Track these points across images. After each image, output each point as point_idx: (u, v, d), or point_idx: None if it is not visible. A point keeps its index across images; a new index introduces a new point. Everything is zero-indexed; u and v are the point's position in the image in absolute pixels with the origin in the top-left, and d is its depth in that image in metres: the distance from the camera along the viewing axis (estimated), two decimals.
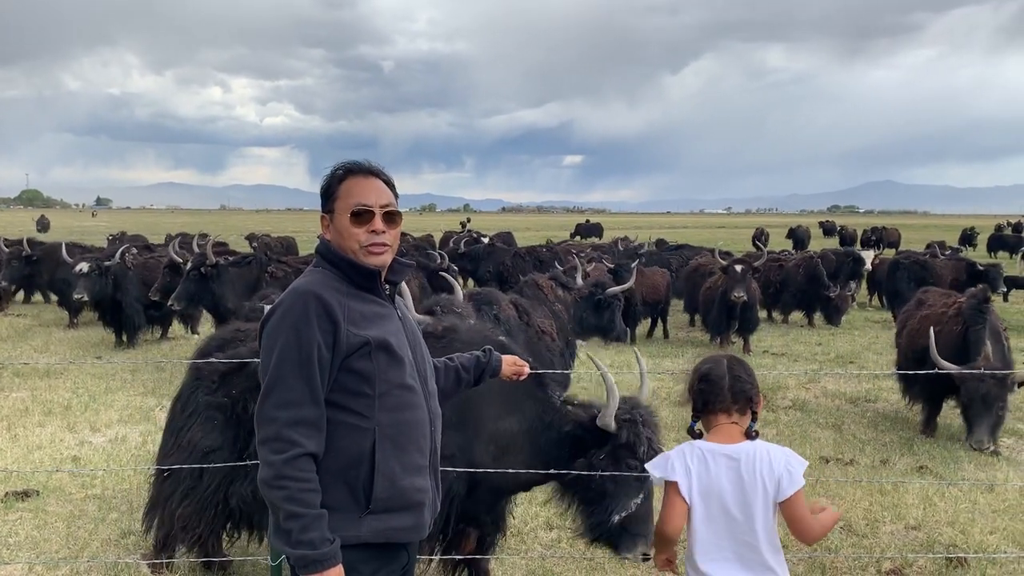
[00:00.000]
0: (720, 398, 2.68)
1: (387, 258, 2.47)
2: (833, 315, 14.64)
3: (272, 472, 2.24)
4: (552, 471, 3.49)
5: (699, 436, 2.74)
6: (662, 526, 2.71)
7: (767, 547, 2.61)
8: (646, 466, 2.77)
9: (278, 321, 2.34)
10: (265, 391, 2.30)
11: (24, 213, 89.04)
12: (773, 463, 2.61)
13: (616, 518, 3.25)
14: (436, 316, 5.28)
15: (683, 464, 2.65)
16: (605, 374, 3.57)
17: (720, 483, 2.60)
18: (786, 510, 2.62)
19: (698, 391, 2.73)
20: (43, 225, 47.74)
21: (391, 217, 2.48)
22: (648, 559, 3.05)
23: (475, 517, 3.76)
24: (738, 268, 12.26)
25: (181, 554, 4.69)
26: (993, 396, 6.88)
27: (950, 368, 6.96)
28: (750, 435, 2.68)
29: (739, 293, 11.89)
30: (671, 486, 2.66)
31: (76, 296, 11.78)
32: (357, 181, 2.47)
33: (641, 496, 3.30)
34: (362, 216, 2.42)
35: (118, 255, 12.36)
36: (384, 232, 2.44)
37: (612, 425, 3.36)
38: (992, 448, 6.99)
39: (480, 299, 6.67)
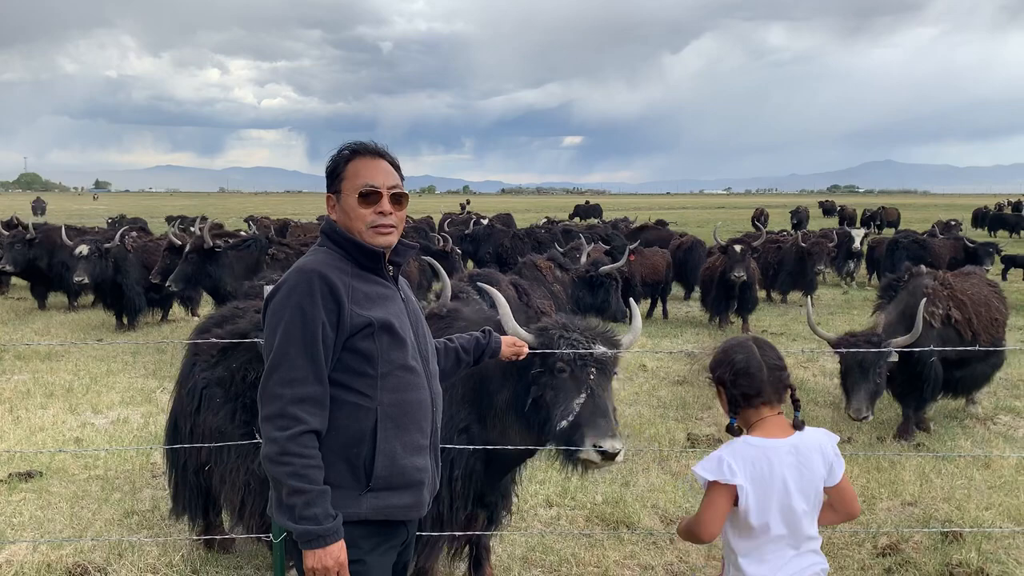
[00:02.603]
0: (762, 392, 2.53)
1: (393, 239, 2.49)
2: (806, 259, 14.74)
3: (276, 448, 2.26)
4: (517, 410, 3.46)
5: (739, 433, 2.60)
6: (699, 529, 2.51)
7: (816, 532, 2.56)
8: (696, 469, 2.51)
9: (283, 299, 2.35)
10: (269, 368, 2.32)
11: (23, 196, 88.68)
12: (824, 450, 2.54)
13: (564, 423, 3.22)
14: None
15: (743, 467, 2.45)
16: (490, 290, 4.02)
17: (784, 479, 2.46)
18: (834, 492, 2.57)
19: (734, 385, 2.55)
20: (40, 208, 47.23)
21: (398, 199, 2.49)
22: (607, 456, 3.00)
23: (486, 494, 3.81)
24: (737, 248, 12.27)
25: (183, 532, 4.74)
26: (857, 365, 6.39)
27: (819, 333, 6.96)
28: (798, 426, 2.56)
29: (739, 273, 11.90)
30: (720, 489, 2.46)
31: (76, 279, 11.65)
32: (364, 162, 2.48)
33: (583, 395, 3.25)
34: (369, 197, 2.44)
35: (117, 237, 12.34)
36: (391, 213, 2.46)
37: (528, 336, 3.37)
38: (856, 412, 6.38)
39: (480, 279, 6.71)
